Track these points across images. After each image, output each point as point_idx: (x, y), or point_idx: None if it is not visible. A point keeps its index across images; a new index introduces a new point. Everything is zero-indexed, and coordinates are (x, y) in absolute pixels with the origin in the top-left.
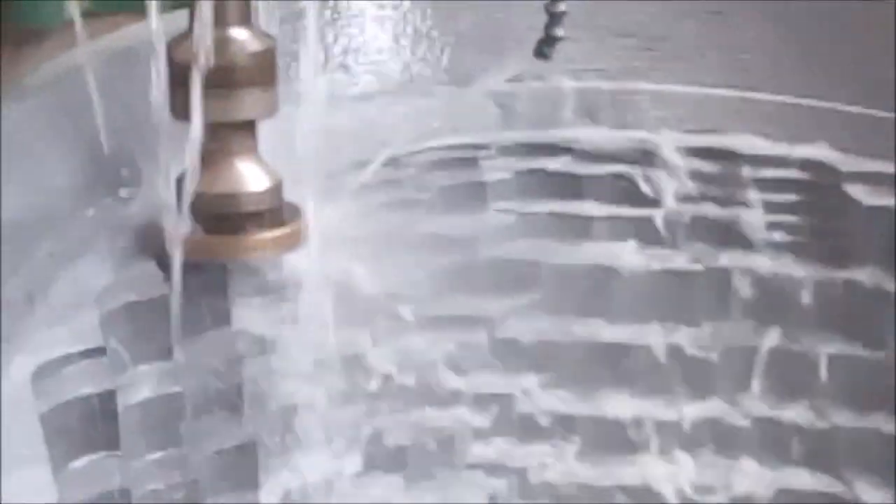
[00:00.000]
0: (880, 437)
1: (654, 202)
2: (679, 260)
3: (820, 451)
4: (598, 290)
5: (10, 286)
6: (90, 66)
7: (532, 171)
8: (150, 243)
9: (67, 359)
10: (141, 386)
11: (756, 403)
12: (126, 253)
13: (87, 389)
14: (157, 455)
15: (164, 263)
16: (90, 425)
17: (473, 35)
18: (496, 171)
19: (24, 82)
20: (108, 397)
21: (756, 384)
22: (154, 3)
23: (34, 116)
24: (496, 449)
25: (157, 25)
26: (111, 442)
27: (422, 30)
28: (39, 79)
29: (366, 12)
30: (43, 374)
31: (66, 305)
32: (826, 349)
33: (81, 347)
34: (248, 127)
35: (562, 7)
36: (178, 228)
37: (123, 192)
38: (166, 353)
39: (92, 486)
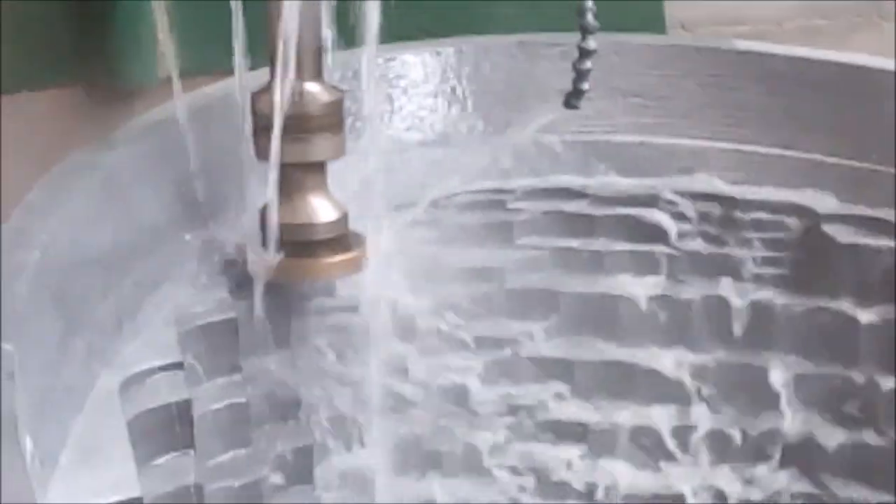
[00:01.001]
0: (866, 448)
1: (659, 239)
2: (678, 289)
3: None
4: (609, 316)
5: (102, 310)
6: (183, 116)
7: (551, 213)
8: (226, 270)
9: (150, 372)
10: (213, 396)
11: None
12: (202, 280)
13: (167, 399)
14: (227, 456)
15: (234, 289)
16: (169, 429)
17: (506, 91)
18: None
19: (121, 133)
20: (185, 405)
21: None
22: (240, 62)
23: (129, 163)
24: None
25: (243, 81)
26: (187, 444)
27: (458, 89)
28: (134, 129)
29: (409, 71)
30: (129, 385)
31: (149, 326)
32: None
33: (162, 363)
34: (320, 167)
35: (588, 65)
36: (262, 254)
37: (208, 226)
38: (236, 368)
39: (170, 482)
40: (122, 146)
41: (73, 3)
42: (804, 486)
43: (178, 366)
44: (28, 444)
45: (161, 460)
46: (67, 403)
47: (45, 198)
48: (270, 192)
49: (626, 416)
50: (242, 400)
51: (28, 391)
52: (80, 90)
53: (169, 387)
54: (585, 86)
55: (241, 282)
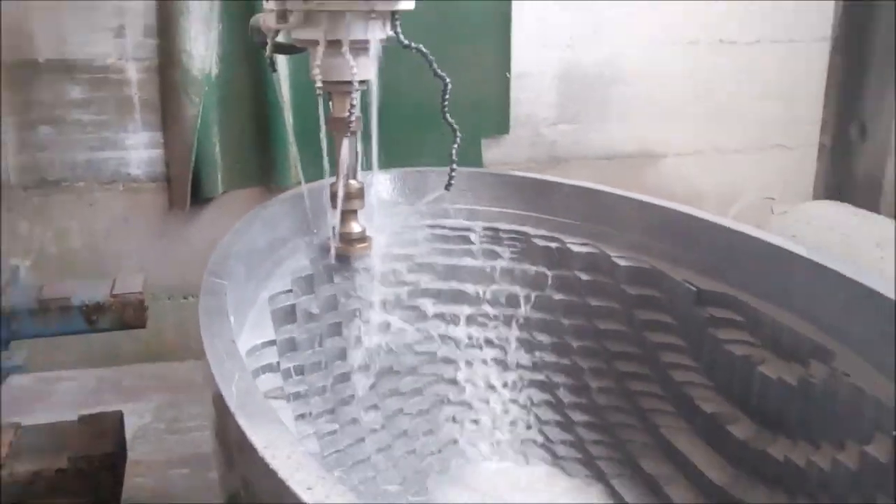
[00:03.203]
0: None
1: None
2: None
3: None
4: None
5: (262, 269)
6: (305, 192)
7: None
8: (319, 252)
9: (278, 294)
10: (305, 303)
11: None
12: (308, 257)
13: (284, 303)
14: (306, 328)
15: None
16: (288, 317)
17: (419, 187)
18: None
19: (275, 201)
20: (292, 307)
21: None
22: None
23: (279, 211)
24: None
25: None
26: (292, 321)
27: (404, 189)
28: (282, 198)
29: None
30: (272, 298)
31: (281, 277)
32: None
33: (284, 289)
34: (354, 212)
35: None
36: (334, 243)
37: (310, 235)
38: (313, 292)
39: (286, 336)
40: (275, 205)
41: (258, 137)
42: None
43: (290, 292)
44: (231, 319)
45: (283, 327)
46: (248, 304)
47: (242, 225)
48: (336, 221)
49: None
50: (316, 311)
51: (231, 300)
52: (262, 188)
53: (286, 300)
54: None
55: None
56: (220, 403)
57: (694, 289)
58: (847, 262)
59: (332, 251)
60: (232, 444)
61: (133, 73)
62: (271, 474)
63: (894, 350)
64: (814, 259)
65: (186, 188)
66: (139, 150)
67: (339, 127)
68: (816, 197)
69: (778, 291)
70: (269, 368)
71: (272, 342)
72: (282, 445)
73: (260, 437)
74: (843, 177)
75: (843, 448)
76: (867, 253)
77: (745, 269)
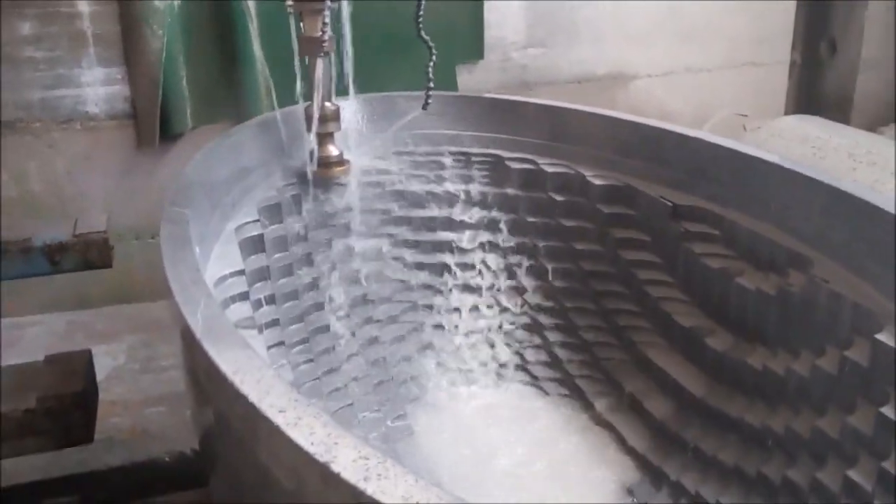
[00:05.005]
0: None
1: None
2: None
3: None
4: None
5: (227, 199)
6: (279, 117)
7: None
8: (295, 176)
9: (246, 224)
10: (274, 231)
11: None
12: (278, 184)
13: (252, 233)
14: (278, 255)
15: (296, 183)
16: (256, 245)
17: (390, 111)
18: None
19: (242, 126)
20: (260, 237)
21: None
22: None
23: (247, 135)
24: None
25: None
26: (261, 250)
27: (372, 112)
28: (250, 124)
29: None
30: (238, 229)
31: (248, 205)
32: None
33: (251, 220)
34: (331, 134)
35: (431, 84)
36: (311, 167)
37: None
38: (282, 221)
39: (255, 265)
40: (240, 133)
41: (227, 68)
42: None
43: (257, 222)
44: (196, 250)
45: (251, 258)
46: (214, 235)
47: (204, 154)
48: (313, 144)
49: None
50: (283, 233)
51: (195, 230)
52: (234, 122)
53: (253, 230)
54: (429, 101)
55: (299, 180)
56: (186, 333)
57: (669, 204)
58: (821, 171)
59: (310, 175)
60: (200, 375)
61: (85, 6)
62: (241, 399)
63: (874, 252)
64: (788, 167)
65: (155, 125)
66: (96, 87)
67: (311, 48)
68: (788, 113)
69: (753, 202)
70: (239, 298)
71: (240, 272)
72: (251, 370)
73: (228, 363)
74: (813, 93)
75: (823, 354)
76: (840, 163)
77: (719, 181)
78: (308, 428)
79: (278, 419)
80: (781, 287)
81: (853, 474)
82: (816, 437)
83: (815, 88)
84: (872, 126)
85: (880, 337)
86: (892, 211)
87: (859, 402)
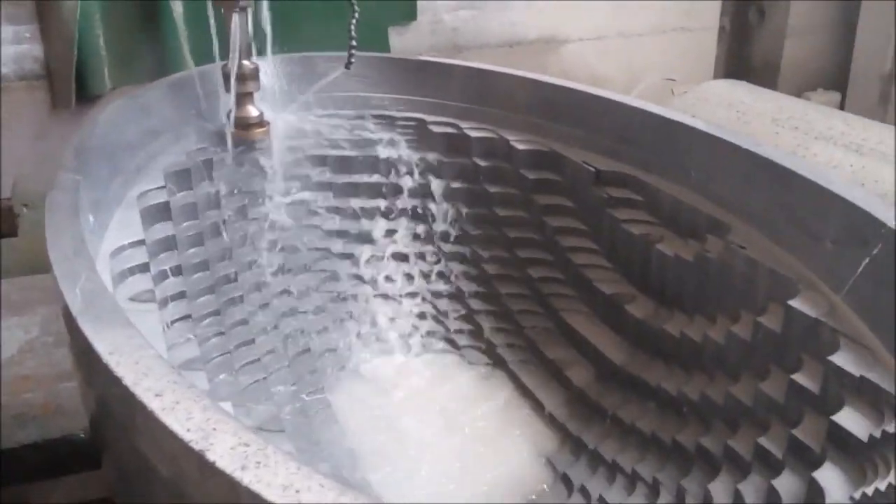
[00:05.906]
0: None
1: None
2: None
3: None
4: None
5: (131, 164)
6: (195, 75)
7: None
8: (210, 138)
9: (150, 191)
10: (185, 197)
11: None
12: (189, 148)
13: (156, 201)
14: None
15: (212, 146)
16: (160, 214)
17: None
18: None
19: (154, 85)
20: (166, 204)
21: None
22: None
23: (159, 95)
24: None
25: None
26: (167, 219)
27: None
28: (161, 83)
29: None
30: (141, 196)
31: (153, 172)
32: None
33: (157, 187)
34: (251, 94)
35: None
36: (229, 128)
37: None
38: (191, 187)
39: (160, 234)
40: (147, 93)
41: (146, 26)
42: None
43: (163, 188)
44: (90, 219)
45: (156, 226)
46: (114, 203)
47: (106, 115)
48: (232, 104)
49: None
50: (193, 200)
51: (91, 198)
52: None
53: (158, 197)
54: (352, 61)
55: (215, 143)
56: (65, 310)
57: (593, 170)
58: (743, 136)
59: (229, 137)
60: (80, 355)
61: None
62: (117, 382)
63: (791, 219)
64: (711, 132)
65: (70, 86)
66: (5, 46)
67: (227, 2)
68: (717, 78)
69: (676, 168)
70: (138, 270)
71: (141, 242)
72: (128, 350)
73: (105, 343)
74: (742, 59)
75: (738, 320)
76: (764, 128)
77: (643, 146)
78: (185, 413)
79: (154, 404)
80: (699, 253)
81: (764, 441)
82: (730, 404)
83: (744, 54)
84: (798, 91)
85: (793, 303)
86: (810, 177)
87: (772, 369)
